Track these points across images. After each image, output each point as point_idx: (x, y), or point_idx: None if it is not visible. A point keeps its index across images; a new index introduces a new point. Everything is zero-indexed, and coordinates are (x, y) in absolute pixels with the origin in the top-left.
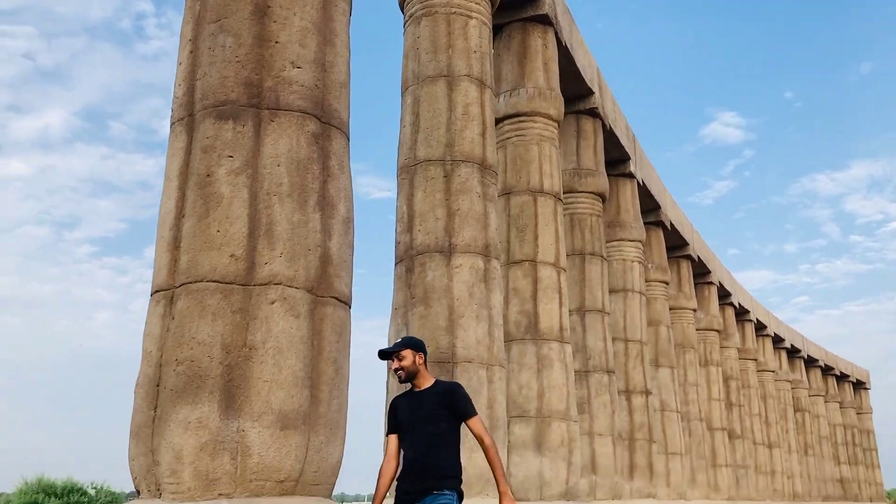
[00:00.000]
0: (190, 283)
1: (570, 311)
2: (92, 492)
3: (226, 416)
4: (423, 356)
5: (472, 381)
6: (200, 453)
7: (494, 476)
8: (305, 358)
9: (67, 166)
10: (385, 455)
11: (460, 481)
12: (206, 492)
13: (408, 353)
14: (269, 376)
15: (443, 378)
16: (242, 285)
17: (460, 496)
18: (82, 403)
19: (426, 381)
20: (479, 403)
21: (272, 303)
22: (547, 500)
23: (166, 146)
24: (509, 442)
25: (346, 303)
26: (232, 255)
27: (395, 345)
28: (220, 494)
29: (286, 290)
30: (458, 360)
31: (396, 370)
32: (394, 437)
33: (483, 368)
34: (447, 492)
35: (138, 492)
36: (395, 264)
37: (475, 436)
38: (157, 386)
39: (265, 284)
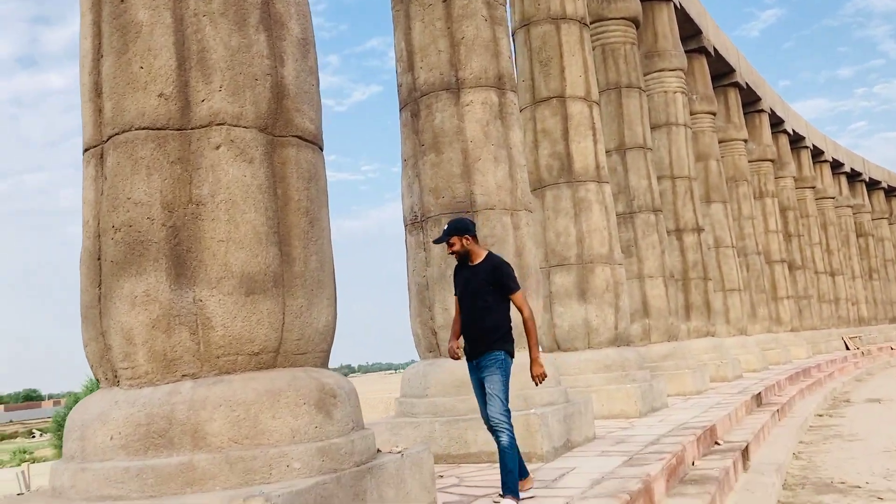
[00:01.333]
0: (117, 134)
1: (608, 150)
2: None
3: (177, 285)
4: (469, 236)
5: (495, 230)
6: (153, 331)
7: (528, 344)
8: (268, 210)
9: None
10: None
11: (509, 342)
12: (166, 374)
13: (455, 240)
14: (223, 235)
15: (494, 252)
16: (178, 130)
17: (510, 354)
18: None
19: (478, 256)
20: (506, 252)
21: (217, 147)
22: (595, 348)
23: None
24: (550, 293)
25: (314, 142)
26: (161, 95)
27: (443, 234)
28: (183, 375)
29: (232, 130)
30: (478, 209)
31: (451, 253)
32: (455, 299)
33: (506, 215)
34: (496, 352)
35: (98, 381)
36: (400, 110)
37: (516, 308)
38: (99, 259)
39: (206, 126)
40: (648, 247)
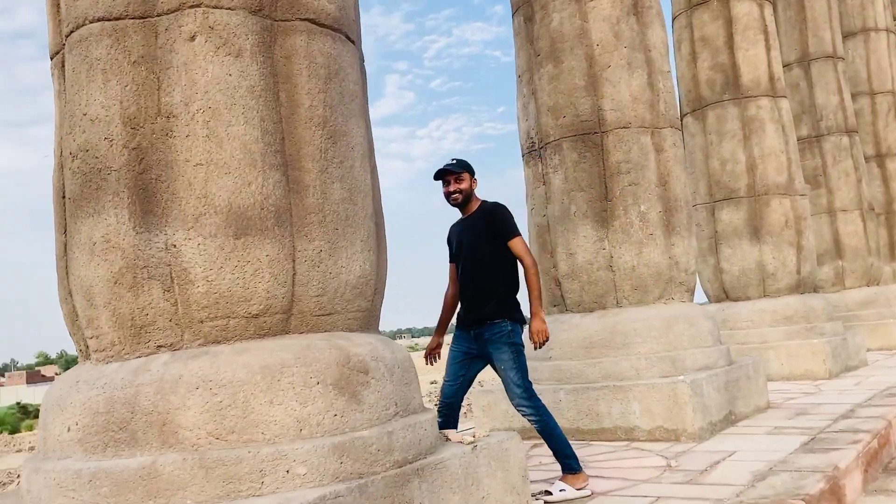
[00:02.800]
0: (73, 31)
1: (787, 64)
2: None
3: (144, 226)
4: (475, 180)
5: (631, 154)
6: (116, 288)
7: (529, 297)
8: (265, 121)
9: None
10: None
11: (515, 308)
12: (136, 344)
13: (466, 177)
14: (202, 156)
15: (488, 200)
16: (140, 18)
17: (519, 323)
18: None
19: (474, 206)
20: (646, 181)
21: (191, 38)
22: (773, 296)
23: None
24: (716, 232)
25: (336, 28)
26: None
27: (454, 165)
28: (159, 346)
29: (211, 13)
30: (609, 128)
31: (452, 193)
32: (452, 266)
33: (645, 134)
34: (499, 321)
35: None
36: (512, 15)
37: (516, 257)
38: (64, 198)
39: (175, 10)
40: (840, 175)
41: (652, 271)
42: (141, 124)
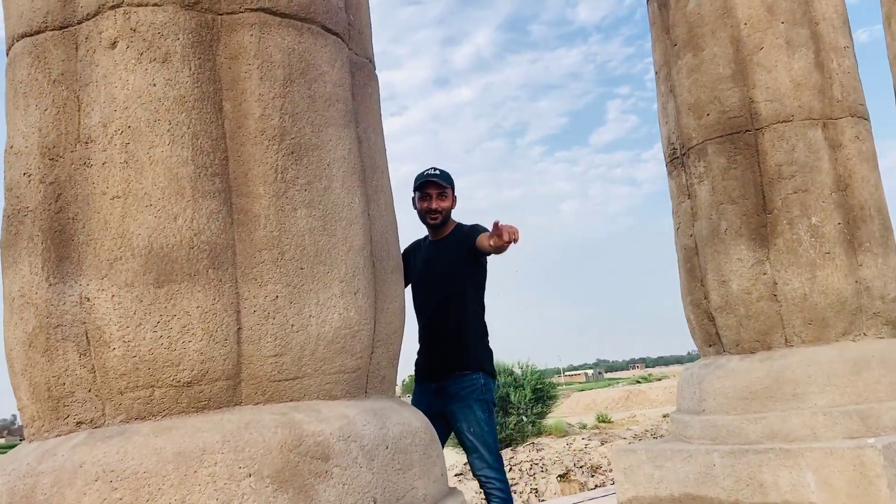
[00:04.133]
0: (8, 52)
1: None
2: (518, 371)
3: (58, 276)
4: (456, 198)
5: (795, 153)
6: (30, 352)
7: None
8: (200, 137)
9: (504, 79)
10: None
11: (489, 358)
12: (56, 420)
13: (450, 193)
14: (120, 187)
15: (463, 223)
16: (60, 28)
17: (491, 377)
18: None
19: (449, 228)
20: (819, 187)
21: (112, 45)
22: None
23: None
24: None
25: (304, 17)
26: None
27: (439, 176)
28: (78, 423)
29: (134, 13)
30: (764, 124)
31: (434, 210)
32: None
33: (814, 126)
34: (470, 373)
35: None
36: (647, 4)
37: (484, 247)
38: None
39: (95, 14)
40: None
41: (831, 300)
42: (60, 154)
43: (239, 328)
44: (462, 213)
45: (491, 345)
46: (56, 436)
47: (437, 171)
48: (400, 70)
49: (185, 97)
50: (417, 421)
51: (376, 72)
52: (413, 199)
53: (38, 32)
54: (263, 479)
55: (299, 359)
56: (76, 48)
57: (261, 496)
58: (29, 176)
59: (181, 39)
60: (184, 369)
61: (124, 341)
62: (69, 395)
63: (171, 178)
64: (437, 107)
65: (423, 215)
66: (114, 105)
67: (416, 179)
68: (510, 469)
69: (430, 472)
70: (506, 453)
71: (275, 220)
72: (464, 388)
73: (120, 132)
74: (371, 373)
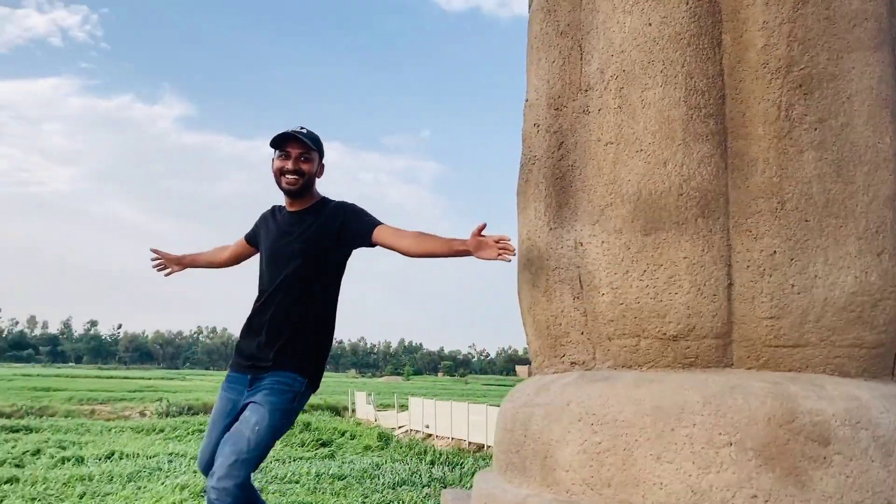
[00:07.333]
0: (528, 8)
1: None
2: None
3: (557, 221)
4: (323, 165)
5: None
6: (534, 291)
7: (445, 248)
8: (694, 76)
9: None
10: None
11: (315, 360)
12: (553, 357)
13: (315, 157)
14: (612, 133)
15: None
16: None
17: (310, 383)
18: None
19: (311, 200)
20: None
21: None
22: None
23: None
24: None
25: None
26: None
27: (305, 135)
28: (572, 363)
29: None
30: None
31: (293, 172)
32: (242, 242)
33: None
34: (291, 372)
35: None
36: None
37: (392, 244)
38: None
39: None
40: None
41: None
42: (564, 104)
43: (730, 283)
44: None
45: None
46: (553, 372)
47: (305, 130)
48: None
49: (681, 34)
50: None
51: None
52: (272, 159)
53: None
54: (746, 451)
55: (800, 324)
56: None
57: (741, 469)
58: (537, 126)
59: None
60: (669, 322)
61: (612, 287)
62: (564, 335)
63: (661, 122)
64: None
65: (281, 176)
66: (610, 49)
67: (275, 138)
68: None
69: None
70: None
71: (775, 165)
72: (277, 380)
73: (615, 77)
74: (888, 351)
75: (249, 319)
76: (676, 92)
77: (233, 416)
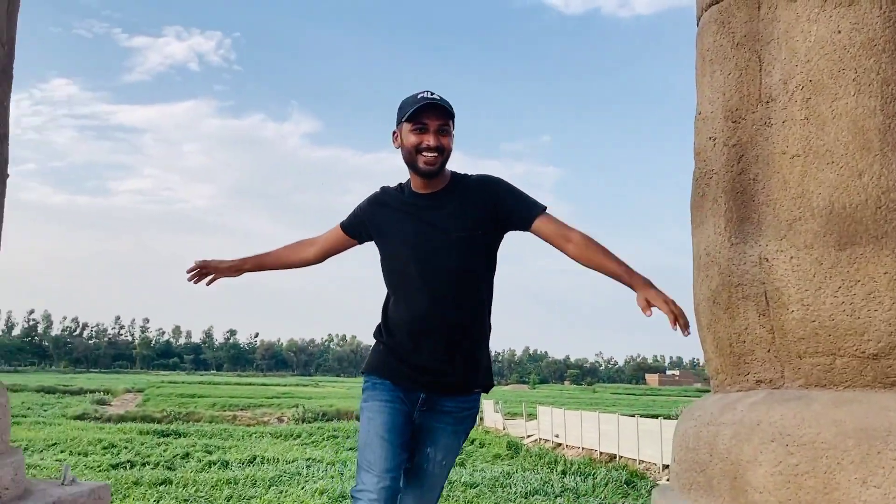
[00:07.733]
0: (697, 21)
1: None
2: None
3: (739, 236)
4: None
5: None
6: (714, 308)
7: (621, 270)
8: (890, 83)
9: None
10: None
11: (491, 373)
12: (737, 375)
13: (452, 128)
14: (799, 145)
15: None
16: None
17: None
18: None
19: (443, 180)
20: None
21: None
22: None
23: None
24: None
25: None
26: None
27: (447, 103)
28: (758, 381)
29: None
30: None
31: (434, 149)
32: (339, 234)
33: None
34: (475, 396)
35: None
36: None
37: (558, 244)
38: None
39: None
40: None
41: None
42: (742, 116)
43: None
44: None
45: None
46: (737, 390)
47: (438, 97)
48: None
49: (874, 40)
50: None
51: None
52: (394, 133)
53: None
54: None
55: None
56: (758, 7)
57: None
58: (714, 140)
59: None
60: (868, 340)
61: (803, 304)
62: (749, 352)
63: (855, 132)
64: None
65: (418, 154)
66: (794, 60)
67: (405, 105)
68: None
69: None
70: None
71: None
72: (467, 407)
73: (801, 87)
74: None
75: (409, 324)
76: (871, 101)
77: (409, 428)
